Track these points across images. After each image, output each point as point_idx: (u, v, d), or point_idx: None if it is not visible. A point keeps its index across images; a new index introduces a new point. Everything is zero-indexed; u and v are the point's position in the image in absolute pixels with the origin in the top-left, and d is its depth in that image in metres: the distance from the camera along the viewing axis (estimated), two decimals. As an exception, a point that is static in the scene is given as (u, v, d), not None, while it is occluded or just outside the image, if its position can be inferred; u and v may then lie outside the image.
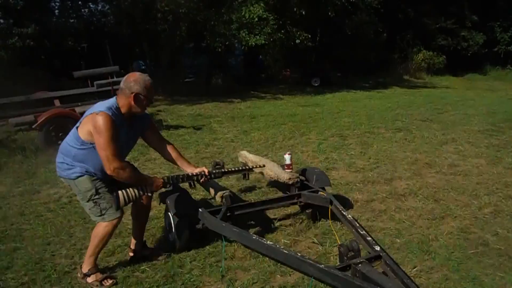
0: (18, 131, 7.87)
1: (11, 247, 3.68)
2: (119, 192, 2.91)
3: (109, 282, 3.04)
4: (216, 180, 4.18)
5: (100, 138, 2.77)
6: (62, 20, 18.36)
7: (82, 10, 19.14)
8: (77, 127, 2.94)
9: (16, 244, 3.72)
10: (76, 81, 12.52)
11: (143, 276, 3.16)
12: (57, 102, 7.76)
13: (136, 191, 2.98)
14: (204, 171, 3.36)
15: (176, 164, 3.42)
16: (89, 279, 3.03)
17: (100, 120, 2.75)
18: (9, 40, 14.30)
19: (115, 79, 8.36)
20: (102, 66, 9.95)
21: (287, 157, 4.16)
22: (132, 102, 2.91)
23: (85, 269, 3.06)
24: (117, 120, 2.84)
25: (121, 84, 2.95)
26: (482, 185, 5.06)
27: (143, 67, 18.00)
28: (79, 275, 3.10)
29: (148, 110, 9.71)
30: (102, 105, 2.86)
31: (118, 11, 18.13)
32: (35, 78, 14.84)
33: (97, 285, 3.00)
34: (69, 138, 2.99)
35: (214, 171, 3.50)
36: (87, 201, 2.95)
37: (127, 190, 2.94)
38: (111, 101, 2.93)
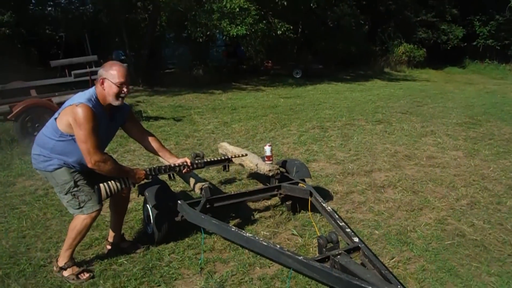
0: (-8, 121, 7.68)
1: (-15, 240, 3.59)
2: (101, 185, 2.84)
3: (85, 275, 2.99)
4: (196, 171, 4.16)
5: (80, 130, 2.69)
6: (39, 8, 17.94)
7: (59, -2, 18.71)
8: (55, 118, 2.85)
9: (-10, 238, 3.64)
10: (53, 71, 12.28)
11: (121, 269, 3.12)
12: (33, 92, 7.57)
13: (117, 183, 2.92)
14: (186, 162, 3.31)
15: (158, 155, 3.36)
16: (65, 273, 2.98)
17: (80, 112, 2.67)
18: (-16, 28, 13.90)
19: (93, 68, 8.20)
20: (81, 56, 9.73)
21: (267, 148, 4.14)
22: (103, 90, 2.81)
23: (61, 262, 3.00)
24: (97, 111, 2.77)
25: (98, 71, 2.88)
26: (459, 177, 5.14)
27: (123, 57, 17.72)
28: (55, 268, 3.04)
29: (127, 100, 9.58)
30: (81, 96, 2.78)
31: (96, -1, 17.81)
32: (11, 67, 14.51)
33: (73, 279, 2.95)
34: (47, 130, 2.90)
35: (196, 162, 3.46)
36: (65, 194, 2.88)
37: (109, 182, 2.88)
38: (90, 92, 2.85)
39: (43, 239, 3.61)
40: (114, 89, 2.82)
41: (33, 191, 4.74)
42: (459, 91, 14.84)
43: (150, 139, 3.29)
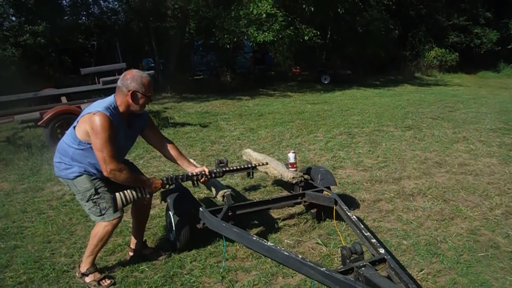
0: (25, 128, 7.90)
1: (12, 245, 3.64)
2: (117, 194, 2.84)
3: (107, 282, 2.98)
4: (219, 178, 4.11)
5: (97, 139, 2.70)
6: (73, 17, 18.46)
7: (92, 8, 19.21)
8: (74, 127, 2.87)
9: (17, 242, 3.69)
10: (85, 78, 12.58)
11: (142, 276, 3.10)
12: (63, 99, 7.75)
13: (134, 192, 2.92)
14: (204, 171, 3.28)
15: (176, 162, 3.35)
16: (87, 279, 2.98)
17: (97, 121, 2.68)
18: (20, 38, 14.39)
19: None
20: (112, 64, 9.94)
21: (291, 155, 4.07)
22: (130, 100, 2.84)
23: (83, 268, 3.00)
24: (115, 119, 2.77)
25: (119, 83, 2.87)
26: (493, 185, 4.92)
27: (152, 64, 18.02)
28: (77, 274, 3.04)
29: (155, 107, 9.75)
30: (99, 105, 2.79)
31: (128, 8, 18.18)
32: (45, 75, 14.98)
33: (94, 285, 2.94)
34: (67, 138, 2.92)
35: (214, 171, 3.41)
36: (87, 201, 2.89)
37: (125, 192, 2.88)
38: (109, 100, 2.85)
39: (68, 245, 3.64)
40: (144, 101, 2.89)
41: (60, 197, 4.81)
42: (493, 96, 14.37)
43: (169, 146, 3.27)
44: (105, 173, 2.77)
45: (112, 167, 2.74)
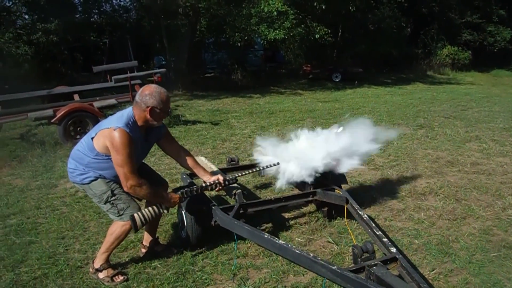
0: (38, 125, 8.00)
1: (26, 240, 3.69)
2: (135, 215, 2.87)
3: (120, 278, 3.02)
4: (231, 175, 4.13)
5: (117, 155, 2.74)
6: (85, 15, 18.58)
7: (104, 6, 19.32)
8: (92, 138, 2.90)
9: (31, 238, 3.74)
10: (98, 76, 12.69)
11: (155, 272, 3.13)
12: (76, 97, 7.83)
13: (152, 210, 2.94)
14: (219, 180, 3.31)
15: (192, 172, 3.43)
16: (101, 275, 3.02)
17: (118, 138, 2.72)
18: (33, 36, 14.53)
19: (133, 74, 8.39)
20: (124, 61, 10.00)
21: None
22: (148, 116, 2.87)
23: (97, 264, 3.04)
24: (134, 134, 2.82)
25: (137, 98, 2.91)
26: (506, 185, 4.88)
27: (163, 62, 18.09)
28: (91, 270, 3.09)
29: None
30: (119, 120, 2.81)
31: (140, 6, 18.26)
32: (58, 73, 15.12)
33: (108, 281, 2.98)
34: (82, 147, 2.96)
35: (228, 178, 3.41)
36: (104, 203, 2.95)
37: (143, 211, 2.91)
38: (128, 114, 2.88)
39: (81, 241, 3.69)
40: (162, 116, 2.95)
41: (73, 193, 4.87)
42: (506, 95, 14.21)
43: (186, 156, 3.32)
44: (125, 188, 2.83)
45: (133, 183, 2.78)
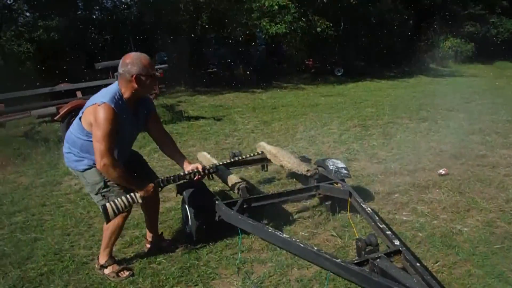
0: (42, 122, 8.03)
1: (32, 237, 3.72)
2: (107, 204, 2.78)
3: (125, 273, 3.04)
4: (233, 171, 4.15)
5: (98, 130, 2.66)
6: (86, 12, 18.56)
7: (105, 2, 19.29)
8: (80, 118, 2.85)
9: (37, 235, 3.77)
10: (100, 73, 12.68)
11: (160, 267, 3.15)
12: (79, 94, 7.83)
13: (125, 200, 2.83)
14: (198, 168, 3.17)
15: (172, 158, 3.31)
16: (106, 271, 3.04)
17: (102, 113, 2.65)
18: (35, 33, 14.54)
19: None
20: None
21: None
22: (136, 86, 2.78)
23: (102, 261, 3.07)
24: (121, 109, 2.73)
25: (119, 69, 2.79)
26: (510, 177, 4.87)
27: (165, 58, 18.07)
28: (96, 266, 3.11)
29: (169, 101, 9.74)
30: (105, 95, 2.73)
31: (141, 2, 18.23)
32: (60, 70, 15.12)
33: (113, 277, 3.00)
34: (74, 128, 2.91)
35: (207, 167, 3.29)
36: (96, 194, 2.91)
37: (115, 201, 2.80)
38: (113, 89, 2.80)
39: (86, 237, 3.71)
40: (151, 82, 2.83)
41: (78, 190, 4.89)
42: (510, 87, 14.16)
43: (167, 141, 3.24)
44: (98, 166, 2.71)
45: (107, 162, 2.67)
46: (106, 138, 2.65)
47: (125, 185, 2.87)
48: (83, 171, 2.88)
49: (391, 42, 20.84)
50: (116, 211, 2.80)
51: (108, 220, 2.81)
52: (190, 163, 3.22)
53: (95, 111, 2.68)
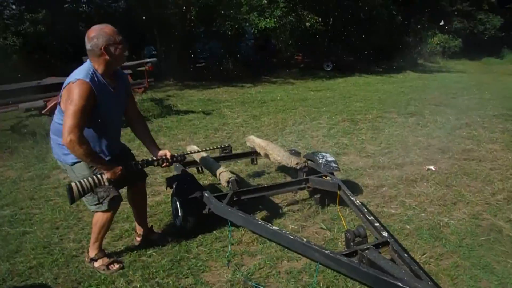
0: (29, 116, 7.93)
1: (21, 231, 3.69)
2: (72, 184, 2.70)
3: (115, 266, 3.04)
4: (223, 164, 4.15)
5: (70, 105, 2.56)
6: (73, 5, 18.33)
7: (93, -5, 19.06)
8: (59, 103, 2.77)
9: (25, 228, 3.74)
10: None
11: (150, 260, 3.15)
12: (67, 87, 7.75)
13: (91, 180, 2.75)
14: (166, 155, 3.09)
15: (143, 142, 3.25)
16: (96, 264, 3.04)
17: (76, 89, 2.57)
18: (21, 26, 14.31)
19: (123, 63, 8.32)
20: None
21: None
22: (107, 57, 2.70)
23: (92, 254, 3.06)
24: (97, 84, 2.67)
25: (87, 46, 2.70)
26: (496, 171, 4.96)
27: (154, 52, 17.95)
28: (86, 259, 3.11)
29: (158, 95, 9.68)
30: (79, 73, 2.66)
31: (130, -4, 18.07)
32: (47, 63, 14.92)
33: (103, 269, 3.00)
34: (56, 116, 2.84)
35: (176, 155, 3.21)
36: None
37: (81, 181, 2.72)
38: (86, 66, 2.72)
39: (76, 230, 3.69)
40: (121, 49, 2.76)
41: (66, 183, 4.84)
42: (496, 82, 14.35)
43: (140, 124, 3.20)
44: (63, 141, 2.60)
45: (73, 137, 2.55)
46: (77, 113, 2.56)
47: (91, 165, 2.78)
48: (72, 165, 2.83)
49: (380, 37, 20.91)
50: (82, 192, 2.72)
51: (72, 200, 2.73)
52: (159, 149, 3.17)
53: (70, 89, 2.62)
